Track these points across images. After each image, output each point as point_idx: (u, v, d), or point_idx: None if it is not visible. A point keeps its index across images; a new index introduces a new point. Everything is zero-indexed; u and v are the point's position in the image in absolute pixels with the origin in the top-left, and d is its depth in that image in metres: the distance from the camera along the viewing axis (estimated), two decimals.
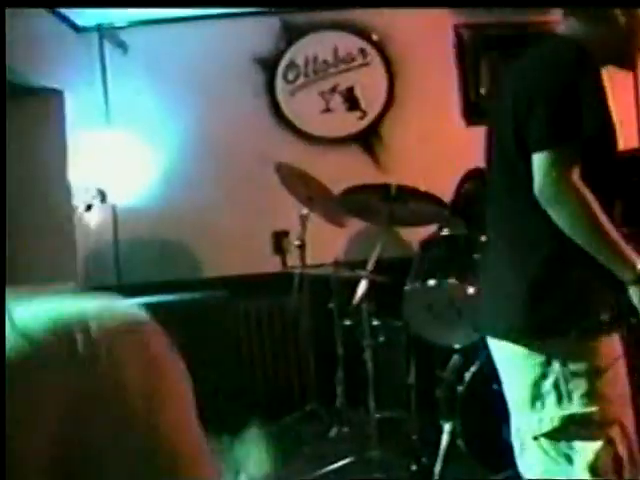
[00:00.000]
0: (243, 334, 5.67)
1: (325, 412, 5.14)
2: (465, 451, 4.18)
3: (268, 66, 5.90)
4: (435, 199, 4.61)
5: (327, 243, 5.67)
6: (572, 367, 2.52)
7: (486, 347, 4.16)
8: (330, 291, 5.11)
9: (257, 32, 5.87)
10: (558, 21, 5.80)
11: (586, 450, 2.51)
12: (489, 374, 4.21)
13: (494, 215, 2.88)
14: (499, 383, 4.16)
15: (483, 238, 4.59)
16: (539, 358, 2.57)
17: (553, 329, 2.55)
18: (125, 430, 0.79)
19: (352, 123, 6.02)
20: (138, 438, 0.79)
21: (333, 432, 4.96)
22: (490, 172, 2.94)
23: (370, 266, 4.48)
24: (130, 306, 0.88)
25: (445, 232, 4.77)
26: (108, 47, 5.75)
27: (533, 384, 2.61)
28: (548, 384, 2.57)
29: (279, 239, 5.81)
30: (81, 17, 5.56)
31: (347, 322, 4.94)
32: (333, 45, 5.95)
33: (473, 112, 6.11)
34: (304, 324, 5.44)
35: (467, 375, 4.23)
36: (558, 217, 2.47)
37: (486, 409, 4.23)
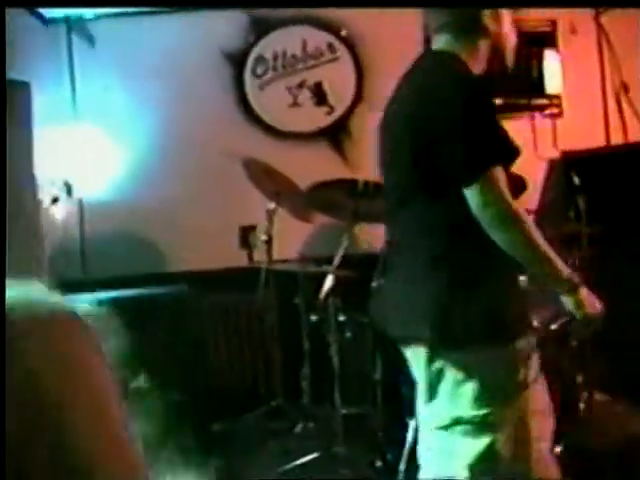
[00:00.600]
0: (209, 329, 5.65)
1: (291, 408, 5.13)
2: None
3: (237, 61, 5.88)
4: None
5: (294, 238, 5.67)
6: (463, 375, 2.64)
7: None
8: (296, 286, 5.11)
9: (226, 26, 5.85)
10: (525, 19, 5.84)
11: (468, 449, 2.65)
12: None
13: (402, 226, 2.90)
14: None
15: None
16: (438, 364, 2.67)
17: (455, 340, 2.64)
18: (37, 422, 0.78)
19: (320, 118, 6.02)
20: (51, 431, 0.78)
21: (299, 428, 4.95)
22: (386, 183, 3.01)
23: (336, 262, 4.48)
24: (56, 300, 0.86)
25: None
26: (76, 40, 5.71)
27: (430, 383, 2.73)
28: (443, 386, 2.69)
29: (246, 234, 5.80)
30: (49, 9, 5.52)
31: (313, 317, 4.93)
32: (302, 40, 5.94)
33: None
34: (270, 319, 5.43)
35: None
36: (500, 239, 2.56)
37: None
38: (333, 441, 4.56)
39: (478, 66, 2.82)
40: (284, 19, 5.91)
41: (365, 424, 4.73)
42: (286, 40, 5.93)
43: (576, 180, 4.85)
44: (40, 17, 5.54)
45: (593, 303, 2.77)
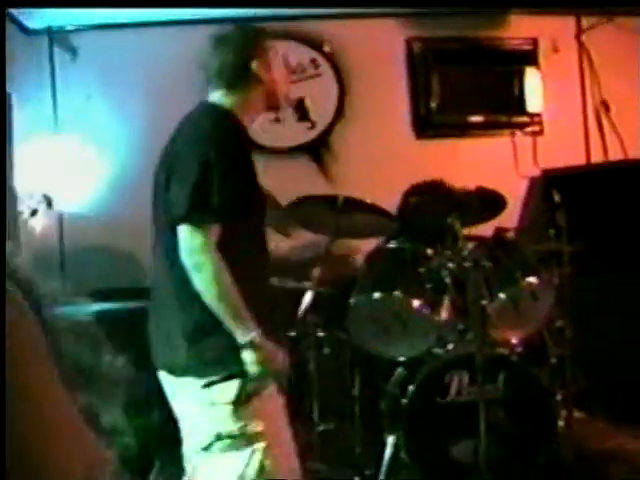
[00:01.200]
0: None
1: None
2: (408, 464, 4.19)
3: None
4: (382, 211, 4.62)
5: (273, 253, 5.65)
6: (219, 397, 2.90)
7: (430, 359, 4.20)
8: (275, 301, 5.08)
9: (204, 40, 5.83)
10: (506, 38, 5.89)
11: (233, 460, 2.91)
12: (433, 387, 4.25)
13: (157, 265, 3.19)
14: (443, 396, 4.21)
15: (429, 251, 4.62)
16: (194, 388, 2.91)
17: (204, 369, 2.91)
18: None
19: (301, 134, 6.01)
20: None
21: None
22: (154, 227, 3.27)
23: (316, 278, 4.47)
24: None
25: (391, 245, 4.78)
26: (58, 51, 5.69)
27: (192, 406, 3.00)
28: (201, 408, 2.95)
29: None
30: (31, 19, 5.50)
31: (292, 333, 4.91)
32: (283, 55, 5.92)
33: (423, 125, 6.15)
34: None
35: (411, 388, 4.23)
36: (197, 283, 2.86)
37: (430, 422, 4.25)
38: (310, 457, 4.54)
39: (252, 114, 3.22)
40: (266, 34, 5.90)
41: (343, 440, 4.72)
42: None
43: (556, 197, 4.87)
44: (21, 27, 5.52)
45: (276, 358, 3.03)
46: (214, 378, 2.88)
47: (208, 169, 2.88)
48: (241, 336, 2.87)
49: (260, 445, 2.91)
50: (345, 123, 6.04)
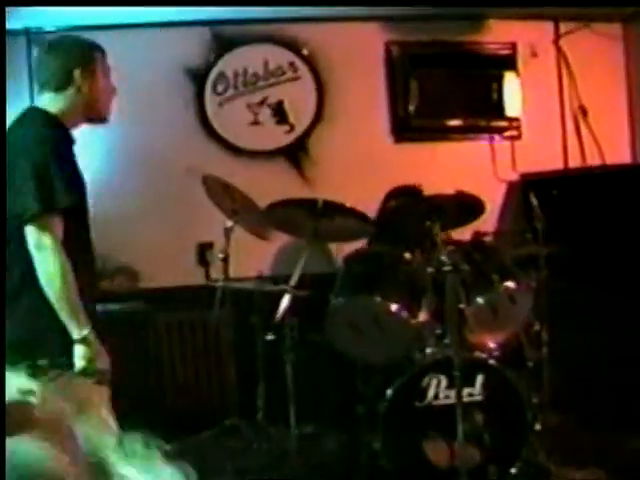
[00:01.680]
0: (165, 347, 5.61)
1: (246, 427, 5.09)
2: (386, 467, 4.17)
3: (198, 77, 5.85)
4: (361, 215, 4.61)
5: (251, 256, 5.63)
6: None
7: (408, 363, 4.20)
8: (253, 305, 5.08)
9: (188, 42, 5.83)
10: (488, 42, 5.91)
11: None
12: (411, 391, 4.24)
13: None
14: (421, 400, 4.21)
15: (407, 255, 4.62)
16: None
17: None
18: None
19: (280, 136, 6.00)
20: None
21: (253, 447, 4.92)
22: None
23: (294, 281, 4.45)
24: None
25: (370, 248, 4.78)
26: (36, 51, 5.65)
27: None
28: None
29: (203, 251, 5.77)
30: (9, 19, 5.45)
31: (269, 337, 4.90)
32: (263, 58, 5.93)
33: (401, 129, 6.15)
34: (226, 337, 5.38)
35: (389, 392, 4.23)
36: (40, 277, 3.02)
37: (407, 426, 4.25)
38: (287, 461, 4.54)
39: (73, 121, 3.38)
40: (246, 37, 5.89)
41: (320, 444, 4.72)
42: (248, 58, 5.91)
43: (534, 201, 4.88)
44: None
45: (102, 357, 3.14)
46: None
47: (43, 169, 3.07)
48: (77, 331, 3.04)
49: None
50: (323, 126, 6.04)
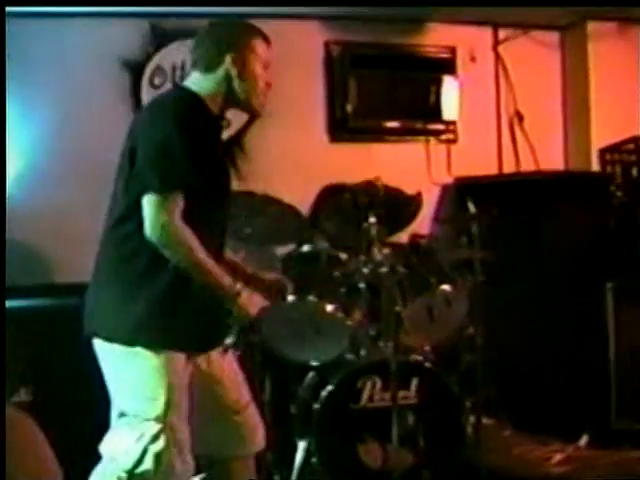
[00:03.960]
0: None
1: None
2: (319, 469, 4.14)
3: (135, 70, 5.74)
4: (296, 212, 4.58)
5: None
6: (123, 373, 3.03)
7: (343, 364, 4.17)
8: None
9: (126, 34, 5.71)
10: (427, 45, 5.90)
11: (125, 438, 2.99)
12: (346, 392, 4.22)
13: (109, 238, 3.22)
14: (355, 402, 4.19)
15: (343, 256, 4.59)
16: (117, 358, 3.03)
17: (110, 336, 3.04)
18: None
19: None
20: None
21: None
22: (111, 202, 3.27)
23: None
24: None
25: (305, 248, 4.75)
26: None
27: (114, 377, 3.08)
28: (121, 379, 3.05)
29: None
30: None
31: None
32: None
33: (338, 129, 6.12)
34: None
35: (323, 393, 4.20)
36: (169, 257, 2.93)
37: (341, 427, 4.22)
38: None
39: (220, 105, 3.25)
40: (185, 30, 5.79)
41: None
42: (186, 52, 5.79)
43: (471, 207, 4.89)
44: None
45: (256, 303, 3.12)
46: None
47: (171, 143, 2.93)
48: (221, 291, 2.99)
49: (150, 431, 2.94)
50: (260, 123, 5.96)
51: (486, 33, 6.37)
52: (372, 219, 4.25)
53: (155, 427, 2.93)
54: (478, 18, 6.17)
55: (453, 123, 6.27)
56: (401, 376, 4.02)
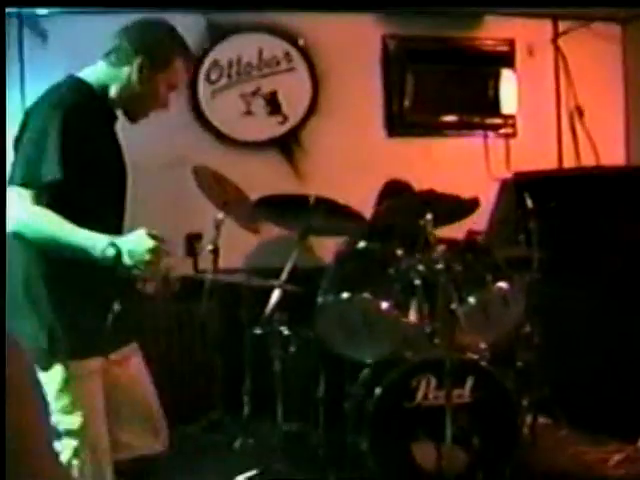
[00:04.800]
0: (149, 337, 5.52)
1: (230, 422, 5.03)
2: (373, 467, 4.12)
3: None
4: (353, 213, 4.55)
5: (241, 249, 5.59)
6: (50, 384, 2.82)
7: (398, 362, 4.14)
8: (241, 298, 5.02)
9: (182, 29, 5.70)
10: (485, 38, 5.84)
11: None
12: (400, 390, 4.19)
13: None
14: (410, 400, 4.16)
15: (399, 252, 4.55)
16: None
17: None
18: None
19: (273, 127, 5.94)
20: None
21: (238, 443, 4.85)
22: None
23: (284, 276, 4.40)
24: None
25: (361, 245, 4.72)
26: (27, 35, 5.55)
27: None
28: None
29: (192, 242, 5.69)
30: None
31: (257, 331, 4.84)
32: (258, 47, 5.86)
33: (395, 124, 6.10)
34: (213, 331, 5.31)
35: (377, 391, 4.17)
36: (28, 234, 2.80)
37: (395, 426, 4.19)
38: (273, 458, 4.48)
39: (114, 99, 3.11)
40: (241, 25, 5.82)
41: (306, 441, 4.65)
42: (242, 47, 5.84)
43: (529, 203, 4.82)
44: None
45: (143, 242, 2.84)
46: None
47: (45, 134, 2.83)
48: (100, 244, 2.77)
49: (71, 443, 2.87)
50: (317, 119, 5.97)
51: (546, 26, 6.30)
52: (429, 216, 4.19)
53: (74, 442, 2.88)
54: (537, 10, 6.08)
55: (512, 117, 6.21)
56: (456, 375, 3.97)
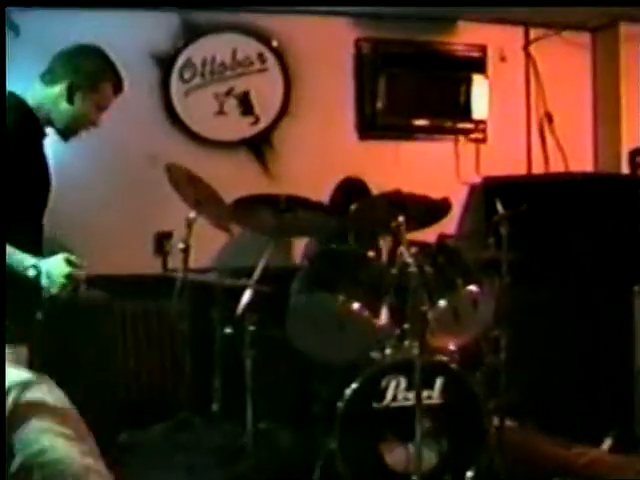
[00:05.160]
0: (119, 336, 5.50)
1: (199, 421, 5.01)
2: (342, 469, 4.13)
3: (164, 63, 5.75)
4: (324, 209, 4.57)
5: (213, 248, 5.58)
6: None
7: (368, 363, 4.16)
8: (212, 297, 5.00)
9: (156, 27, 5.72)
10: (458, 44, 5.88)
11: None
12: (370, 391, 4.20)
13: None
14: (379, 401, 4.17)
15: (371, 254, 4.58)
16: None
17: None
18: None
19: (244, 128, 5.93)
20: None
21: (206, 442, 4.84)
22: None
23: (256, 275, 4.40)
24: None
25: (333, 246, 4.74)
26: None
27: None
28: None
29: (161, 240, 5.68)
30: None
31: (227, 330, 4.83)
32: (232, 48, 5.86)
33: (367, 126, 6.12)
34: (182, 329, 5.28)
35: (347, 392, 4.18)
36: None
37: (365, 427, 4.21)
38: (242, 457, 4.48)
39: (47, 117, 3.43)
40: (215, 25, 5.81)
41: (275, 441, 4.66)
42: (216, 47, 5.83)
43: (499, 207, 4.86)
44: None
45: (60, 267, 3.11)
46: None
47: None
48: (25, 263, 3.08)
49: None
50: (289, 120, 5.98)
51: (517, 33, 6.36)
52: (400, 218, 4.21)
53: None
54: (509, 17, 6.14)
55: (483, 122, 6.26)
56: (425, 376, 3.99)
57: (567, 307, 5.34)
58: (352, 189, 5.44)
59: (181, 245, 4.87)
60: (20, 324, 3.07)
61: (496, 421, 4.70)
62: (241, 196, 4.58)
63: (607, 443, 4.98)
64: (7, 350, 2.89)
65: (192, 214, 4.84)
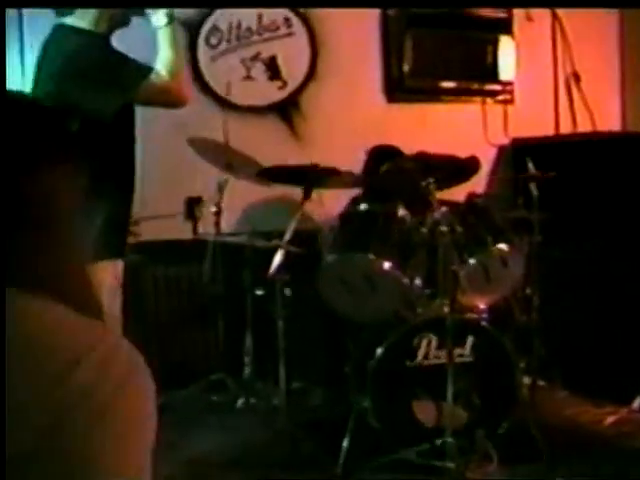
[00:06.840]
0: (151, 300, 5.56)
1: (232, 382, 5.08)
2: (374, 426, 4.17)
3: (191, 29, 5.76)
4: (354, 177, 4.59)
5: (244, 211, 5.61)
6: None
7: (399, 322, 4.19)
8: (243, 260, 5.04)
9: None
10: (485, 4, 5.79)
11: None
12: (401, 350, 4.24)
13: None
14: (411, 359, 4.21)
15: (401, 214, 4.60)
16: None
17: None
18: None
19: (272, 92, 5.94)
20: None
21: (240, 403, 4.91)
22: None
23: (287, 236, 4.43)
24: None
25: (364, 206, 4.76)
26: None
27: None
28: None
29: (192, 205, 5.71)
30: None
31: (259, 292, 4.88)
32: (258, 12, 5.86)
33: (394, 89, 6.11)
34: (215, 292, 5.34)
35: (379, 350, 4.22)
36: None
37: (397, 385, 4.25)
38: (274, 417, 4.53)
39: None
40: None
41: (308, 401, 4.71)
42: (242, 12, 5.84)
43: (531, 167, 4.86)
44: None
45: None
46: None
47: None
48: None
49: None
50: (316, 84, 5.98)
51: None
52: (431, 178, 4.23)
53: None
54: None
55: (510, 84, 6.24)
56: (457, 334, 4.03)
57: (597, 266, 5.33)
58: (386, 157, 5.41)
59: (213, 208, 4.91)
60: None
61: (527, 380, 4.73)
62: (268, 166, 4.60)
63: (637, 402, 4.99)
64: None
65: (223, 177, 4.87)
